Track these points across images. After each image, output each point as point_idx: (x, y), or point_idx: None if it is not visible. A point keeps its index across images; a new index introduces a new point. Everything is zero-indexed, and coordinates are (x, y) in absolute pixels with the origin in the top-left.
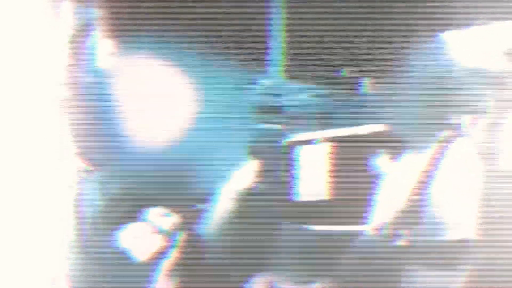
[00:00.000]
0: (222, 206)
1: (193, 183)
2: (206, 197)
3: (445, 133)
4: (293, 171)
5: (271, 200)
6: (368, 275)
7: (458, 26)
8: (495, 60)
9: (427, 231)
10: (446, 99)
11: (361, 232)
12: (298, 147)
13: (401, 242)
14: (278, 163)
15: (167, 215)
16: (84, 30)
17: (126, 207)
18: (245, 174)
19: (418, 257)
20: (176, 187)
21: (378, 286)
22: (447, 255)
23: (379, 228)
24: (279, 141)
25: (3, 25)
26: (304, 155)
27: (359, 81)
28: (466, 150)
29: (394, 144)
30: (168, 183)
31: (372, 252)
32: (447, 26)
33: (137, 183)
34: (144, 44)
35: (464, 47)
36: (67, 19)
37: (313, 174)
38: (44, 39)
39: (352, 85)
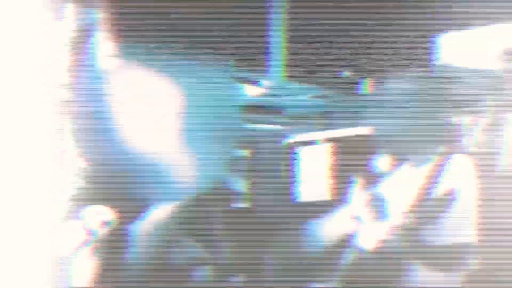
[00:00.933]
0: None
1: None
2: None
3: (444, 148)
4: (293, 172)
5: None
6: (368, 275)
7: (457, 27)
8: (494, 61)
9: (429, 234)
10: (446, 99)
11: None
12: (299, 148)
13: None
14: (279, 164)
15: (102, 213)
16: (85, 32)
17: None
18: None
19: (420, 259)
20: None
21: (379, 285)
22: (448, 258)
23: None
24: (280, 141)
25: (4, 27)
26: (304, 155)
27: (359, 82)
28: (465, 163)
29: (394, 145)
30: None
31: (373, 253)
32: (446, 27)
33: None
34: (144, 45)
35: (463, 48)
36: (69, 21)
37: (314, 174)
38: (45, 40)
39: (353, 86)
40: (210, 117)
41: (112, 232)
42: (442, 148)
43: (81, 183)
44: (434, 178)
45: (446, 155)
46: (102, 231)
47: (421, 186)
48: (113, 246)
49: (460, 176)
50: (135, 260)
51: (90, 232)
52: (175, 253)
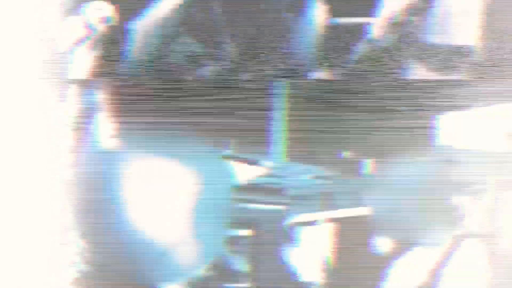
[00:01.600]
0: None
1: None
2: None
3: (456, 232)
4: (295, 252)
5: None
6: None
7: (457, 108)
8: (495, 142)
9: None
10: (447, 180)
11: None
12: (300, 228)
13: None
14: (280, 244)
15: (102, 9)
16: (88, 112)
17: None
18: None
19: None
20: None
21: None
22: None
23: None
24: (281, 222)
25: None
26: (306, 236)
27: (361, 162)
28: (475, 250)
29: (396, 226)
30: None
31: None
32: (446, 108)
33: None
34: (143, 127)
35: (464, 128)
36: (71, 104)
37: (315, 255)
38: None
39: (354, 167)
40: (210, 198)
41: (111, 28)
42: (448, 231)
43: None
44: (441, 263)
45: (454, 239)
46: (102, 27)
47: (427, 271)
48: (111, 41)
49: (467, 258)
50: (133, 56)
51: (90, 27)
52: (174, 50)
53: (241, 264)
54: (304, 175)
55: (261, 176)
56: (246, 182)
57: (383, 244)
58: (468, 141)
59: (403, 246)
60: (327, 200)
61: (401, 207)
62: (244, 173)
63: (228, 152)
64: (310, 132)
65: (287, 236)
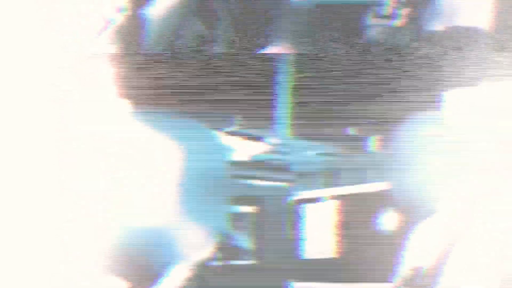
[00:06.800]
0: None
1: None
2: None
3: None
4: (299, 229)
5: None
6: None
7: (463, 84)
8: (501, 119)
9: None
10: (451, 160)
11: None
12: (305, 205)
13: None
14: (285, 221)
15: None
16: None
17: None
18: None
19: None
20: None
21: None
22: None
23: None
24: (286, 198)
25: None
26: (310, 212)
27: (366, 139)
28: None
29: (401, 202)
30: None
31: None
32: (453, 85)
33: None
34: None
35: (470, 105)
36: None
37: (320, 232)
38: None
39: (359, 143)
40: (214, 175)
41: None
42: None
43: None
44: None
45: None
46: (118, 17)
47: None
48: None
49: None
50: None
51: (106, 18)
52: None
53: (245, 241)
54: (309, 152)
55: (265, 152)
56: (250, 159)
57: (388, 220)
58: (475, 118)
59: (410, 221)
60: (332, 177)
61: (409, 182)
62: (248, 149)
63: (232, 128)
64: (316, 108)
65: (292, 213)
